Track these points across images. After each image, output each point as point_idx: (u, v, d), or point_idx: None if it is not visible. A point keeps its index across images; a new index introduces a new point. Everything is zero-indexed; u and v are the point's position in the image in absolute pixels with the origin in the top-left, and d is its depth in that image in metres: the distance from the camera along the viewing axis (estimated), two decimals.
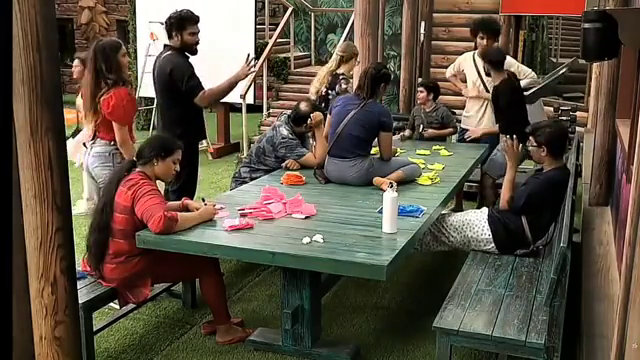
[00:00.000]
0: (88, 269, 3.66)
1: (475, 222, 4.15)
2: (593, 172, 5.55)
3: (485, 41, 5.81)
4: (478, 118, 5.94)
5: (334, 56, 5.83)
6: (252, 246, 3.35)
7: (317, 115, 4.78)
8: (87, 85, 4.28)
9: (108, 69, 4.18)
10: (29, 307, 2.68)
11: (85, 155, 4.50)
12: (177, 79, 4.60)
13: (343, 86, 5.56)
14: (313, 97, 5.75)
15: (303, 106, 4.87)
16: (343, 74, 5.67)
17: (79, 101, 6.31)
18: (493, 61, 5.51)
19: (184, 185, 4.76)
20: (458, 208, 5.93)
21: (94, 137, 4.36)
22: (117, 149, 4.30)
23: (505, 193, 4.21)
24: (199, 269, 3.76)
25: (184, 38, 4.68)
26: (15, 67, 2.42)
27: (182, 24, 4.66)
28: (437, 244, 4.30)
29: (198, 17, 4.73)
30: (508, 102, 5.48)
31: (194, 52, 4.76)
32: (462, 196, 6.16)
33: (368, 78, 4.36)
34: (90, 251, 3.60)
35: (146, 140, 3.83)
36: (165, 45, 4.81)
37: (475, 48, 6.07)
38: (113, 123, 4.22)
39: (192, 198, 4.76)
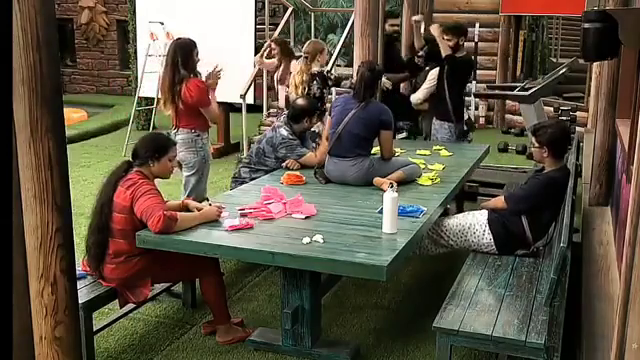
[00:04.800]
0: (88, 269, 3.66)
1: (476, 226, 4.13)
2: (593, 172, 5.55)
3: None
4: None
5: (301, 59, 6.24)
6: (252, 246, 3.35)
7: None
8: (165, 77, 4.86)
9: (184, 64, 4.75)
10: (29, 307, 2.68)
11: None
12: None
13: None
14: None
15: (299, 101, 4.98)
16: (329, 71, 6.23)
17: None
18: (458, 29, 5.76)
19: None
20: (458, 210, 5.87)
21: (176, 127, 4.93)
22: (198, 135, 4.91)
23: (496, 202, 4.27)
24: (199, 269, 3.76)
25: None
26: (15, 67, 2.42)
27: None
28: (436, 247, 4.28)
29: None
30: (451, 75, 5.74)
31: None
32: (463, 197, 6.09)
33: (364, 82, 4.36)
34: (90, 252, 3.60)
35: (140, 139, 3.80)
36: None
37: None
38: (200, 108, 4.83)
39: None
